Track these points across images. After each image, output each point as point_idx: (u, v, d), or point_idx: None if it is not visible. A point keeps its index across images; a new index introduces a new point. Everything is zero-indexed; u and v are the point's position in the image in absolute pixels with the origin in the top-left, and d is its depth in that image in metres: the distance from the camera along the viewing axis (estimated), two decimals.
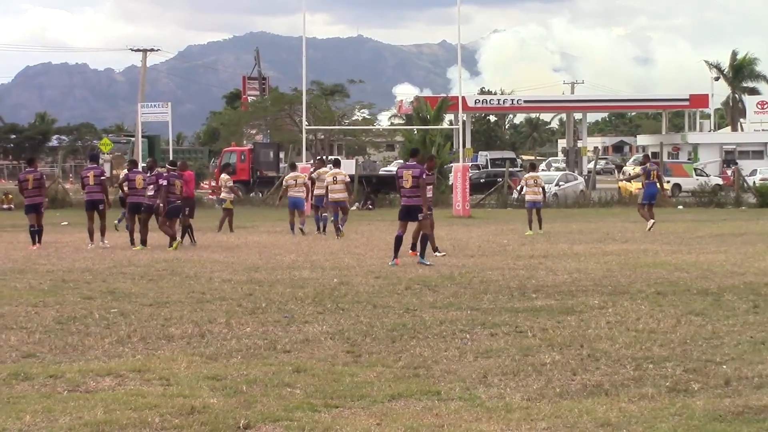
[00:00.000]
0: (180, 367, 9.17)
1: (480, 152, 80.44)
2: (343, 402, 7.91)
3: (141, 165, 30.82)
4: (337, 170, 26.75)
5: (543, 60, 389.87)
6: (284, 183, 29.21)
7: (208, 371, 9.02)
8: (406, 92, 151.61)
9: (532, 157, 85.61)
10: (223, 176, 30.06)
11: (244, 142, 68.62)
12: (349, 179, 27.30)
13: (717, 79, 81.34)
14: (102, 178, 23.43)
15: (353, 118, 71.09)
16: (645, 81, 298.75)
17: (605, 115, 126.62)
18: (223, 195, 29.53)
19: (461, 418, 7.40)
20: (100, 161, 27.31)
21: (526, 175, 29.51)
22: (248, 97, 79.29)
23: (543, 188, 28.03)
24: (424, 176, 18.42)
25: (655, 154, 69.36)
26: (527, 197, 27.88)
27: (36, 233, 22.91)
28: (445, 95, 68.37)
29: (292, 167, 30.58)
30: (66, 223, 33.63)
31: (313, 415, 7.50)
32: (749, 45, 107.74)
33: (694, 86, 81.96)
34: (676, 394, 8.09)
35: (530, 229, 26.97)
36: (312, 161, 42.89)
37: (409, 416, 7.47)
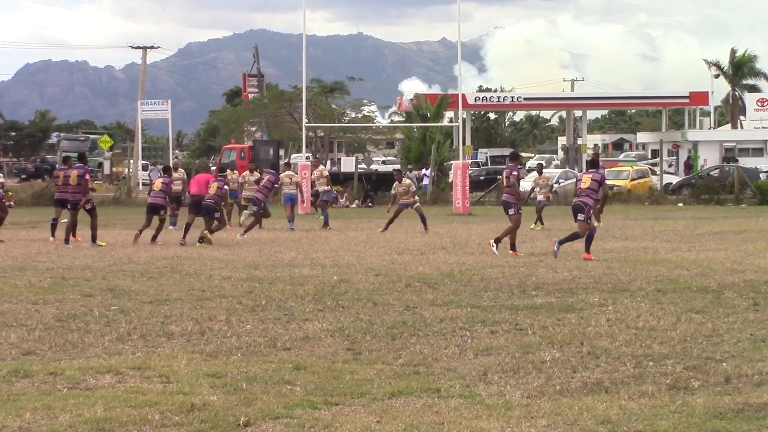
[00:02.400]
0: (180, 365, 9.17)
1: (480, 150, 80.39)
2: (343, 399, 7.91)
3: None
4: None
5: (550, 57, 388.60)
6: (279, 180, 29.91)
7: (208, 369, 9.03)
8: (413, 88, 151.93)
9: (533, 158, 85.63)
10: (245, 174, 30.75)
11: (245, 139, 68.62)
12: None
13: (717, 76, 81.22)
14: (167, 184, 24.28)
15: (360, 115, 70.99)
16: (653, 78, 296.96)
17: (605, 112, 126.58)
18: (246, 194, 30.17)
19: (461, 416, 7.40)
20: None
21: (540, 176, 31.04)
22: (249, 95, 79.22)
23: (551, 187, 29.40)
24: (603, 180, 19.17)
25: (655, 152, 69.37)
26: (540, 197, 29.73)
27: (55, 226, 24.04)
28: (445, 92, 68.37)
29: (287, 166, 31.61)
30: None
31: (313, 413, 7.50)
32: (755, 42, 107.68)
33: (702, 83, 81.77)
34: (676, 392, 8.09)
35: (542, 224, 28.39)
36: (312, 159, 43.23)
37: (409, 414, 7.47)
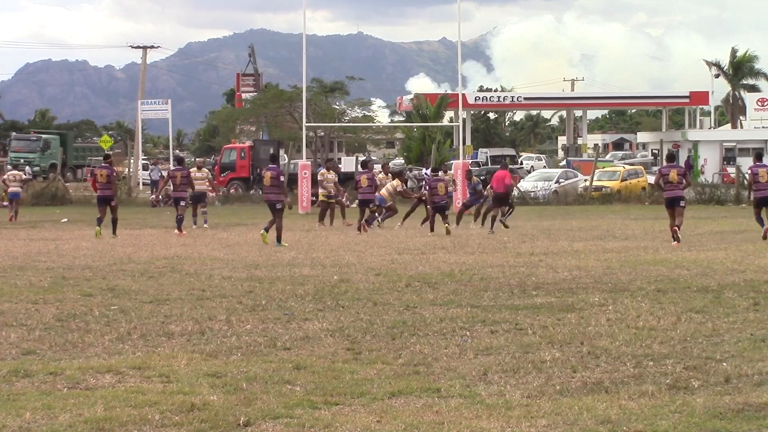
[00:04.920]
0: (180, 365, 9.17)
1: (480, 149, 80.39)
2: (343, 399, 7.91)
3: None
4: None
5: (558, 55, 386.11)
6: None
7: (208, 368, 9.03)
8: (420, 86, 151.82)
9: (521, 157, 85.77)
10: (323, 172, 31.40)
11: (243, 139, 68.54)
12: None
13: (717, 76, 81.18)
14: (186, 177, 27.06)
15: (361, 114, 70.87)
16: (662, 77, 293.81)
17: (605, 112, 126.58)
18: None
19: (461, 416, 7.40)
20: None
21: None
22: (242, 94, 78.82)
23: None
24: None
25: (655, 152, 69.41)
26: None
27: (181, 221, 26.30)
28: (449, 91, 68.37)
29: (329, 161, 32.50)
30: (66, 220, 33.62)
31: (313, 413, 7.50)
32: (758, 42, 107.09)
33: (709, 83, 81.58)
34: (676, 392, 8.10)
35: None
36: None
37: (409, 413, 7.47)
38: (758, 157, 23.54)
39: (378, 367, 9.11)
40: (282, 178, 23.03)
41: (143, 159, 64.39)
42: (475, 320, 11.55)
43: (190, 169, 29.30)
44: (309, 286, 14.62)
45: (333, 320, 11.63)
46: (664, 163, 24.78)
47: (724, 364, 9.07)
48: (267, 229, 22.71)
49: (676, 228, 21.74)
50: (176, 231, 25.92)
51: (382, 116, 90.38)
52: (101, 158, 69.50)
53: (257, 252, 20.65)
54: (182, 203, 26.56)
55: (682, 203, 22.15)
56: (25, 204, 44.54)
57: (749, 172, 23.64)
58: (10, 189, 34.34)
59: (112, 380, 8.63)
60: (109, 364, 9.22)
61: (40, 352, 9.88)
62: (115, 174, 26.42)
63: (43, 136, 71.82)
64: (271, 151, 55.47)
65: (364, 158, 34.49)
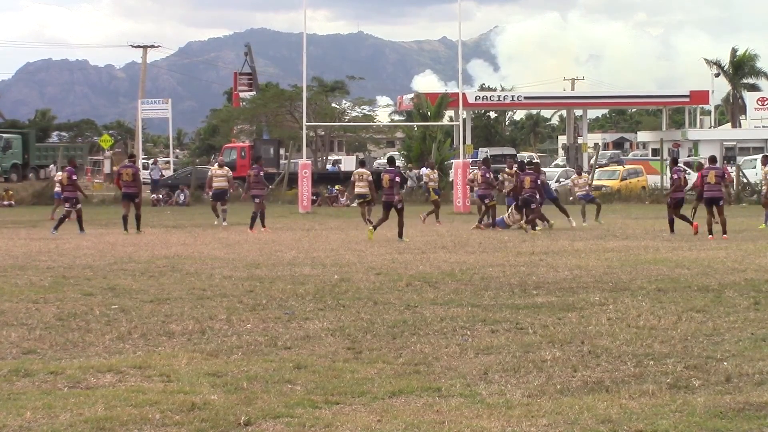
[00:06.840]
0: (180, 364, 9.18)
1: (480, 148, 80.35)
2: (343, 398, 7.92)
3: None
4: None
5: (565, 54, 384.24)
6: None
7: (209, 368, 9.03)
8: (427, 83, 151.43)
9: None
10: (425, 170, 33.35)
11: (243, 139, 68.54)
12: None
13: (717, 75, 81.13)
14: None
15: (361, 114, 70.79)
16: (670, 76, 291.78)
17: (606, 111, 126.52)
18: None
19: (462, 415, 7.41)
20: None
21: (579, 176, 32.94)
22: (239, 94, 78.65)
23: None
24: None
25: (655, 151, 69.36)
26: (579, 193, 31.45)
27: (255, 218, 27.40)
28: (445, 91, 68.33)
29: (362, 164, 33.14)
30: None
31: (313, 412, 7.50)
32: (759, 41, 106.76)
33: (717, 82, 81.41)
34: (676, 391, 8.10)
35: (584, 220, 30.10)
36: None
37: (409, 413, 7.47)
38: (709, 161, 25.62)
39: (378, 366, 9.11)
40: (398, 179, 24.35)
41: (143, 158, 64.41)
42: (476, 319, 11.55)
43: (212, 167, 30.39)
44: (309, 286, 14.62)
45: (333, 319, 11.63)
46: (707, 165, 26.15)
47: (725, 363, 9.07)
48: (375, 227, 24.11)
49: (713, 222, 23.63)
50: (262, 227, 27.07)
51: (385, 115, 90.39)
52: (100, 158, 69.81)
53: (258, 251, 20.66)
54: (257, 200, 27.67)
55: (720, 203, 23.90)
56: (26, 203, 44.60)
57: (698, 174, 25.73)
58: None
59: (112, 379, 8.63)
60: (109, 363, 9.22)
61: (40, 352, 9.88)
62: (140, 172, 27.71)
63: (5, 135, 70.49)
64: (273, 151, 55.67)
65: (485, 157, 37.36)
